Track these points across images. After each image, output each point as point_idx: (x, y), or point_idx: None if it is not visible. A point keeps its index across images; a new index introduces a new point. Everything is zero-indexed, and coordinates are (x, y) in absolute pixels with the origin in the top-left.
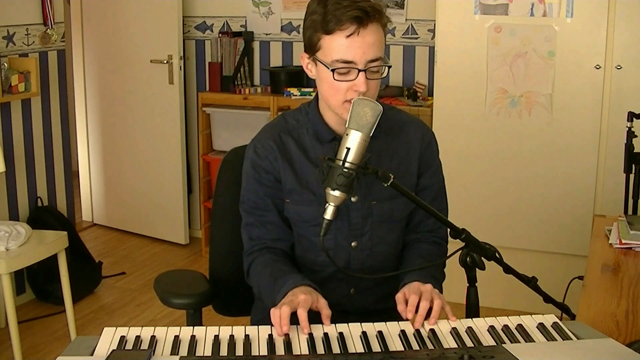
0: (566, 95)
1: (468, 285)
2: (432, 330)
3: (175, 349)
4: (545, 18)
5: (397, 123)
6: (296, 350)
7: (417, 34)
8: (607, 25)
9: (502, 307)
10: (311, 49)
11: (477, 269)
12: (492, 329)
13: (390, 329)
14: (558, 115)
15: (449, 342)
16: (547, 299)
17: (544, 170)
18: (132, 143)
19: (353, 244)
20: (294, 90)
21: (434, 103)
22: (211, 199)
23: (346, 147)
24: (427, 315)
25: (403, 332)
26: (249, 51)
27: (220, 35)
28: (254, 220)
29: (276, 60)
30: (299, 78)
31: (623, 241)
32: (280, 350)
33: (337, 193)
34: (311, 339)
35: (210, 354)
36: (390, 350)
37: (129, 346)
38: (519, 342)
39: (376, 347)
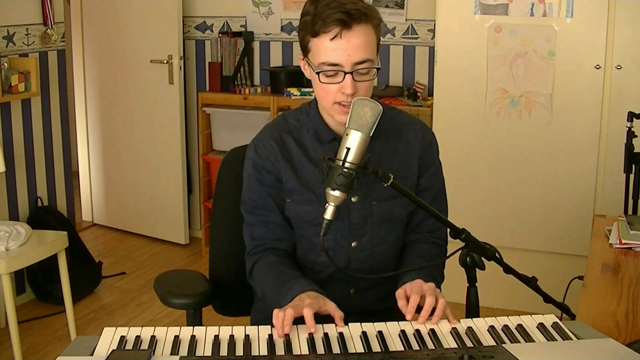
0: (566, 95)
1: (468, 285)
2: (432, 330)
3: (175, 349)
4: (545, 18)
5: (397, 124)
6: (296, 350)
7: (417, 34)
8: (607, 25)
9: (502, 307)
10: (303, 50)
11: (477, 269)
12: (492, 329)
13: (390, 329)
14: (558, 115)
15: (449, 342)
16: (547, 299)
17: (544, 170)
18: (132, 143)
19: (353, 244)
20: (294, 90)
21: (434, 103)
22: (211, 199)
23: (346, 147)
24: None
25: (403, 332)
26: (249, 51)
27: (220, 35)
28: (256, 220)
29: (276, 60)
30: (299, 78)
31: (623, 241)
32: (280, 350)
33: (337, 193)
34: (311, 339)
35: (210, 354)
36: (390, 350)
37: (129, 346)
38: (519, 342)
39: (376, 347)
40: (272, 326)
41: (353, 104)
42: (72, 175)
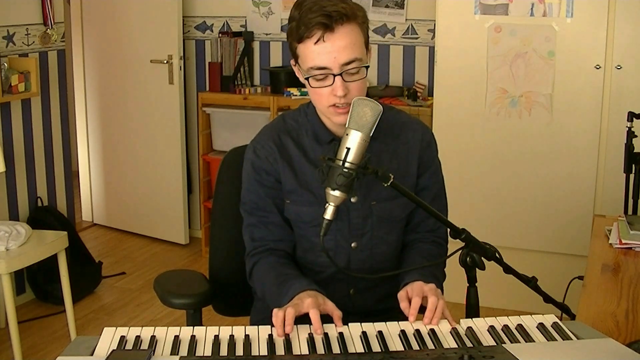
0: (566, 95)
1: (468, 285)
2: (432, 330)
3: (175, 349)
4: (545, 18)
5: (396, 124)
6: (296, 350)
7: (417, 34)
8: (607, 25)
9: (502, 307)
10: (294, 56)
11: (477, 269)
12: (492, 329)
13: (390, 329)
14: (558, 115)
15: (449, 342)
16: (547, 299)
17: (543, 170)
18: (132, 143)
19: (353, 244)
20: (294, 90)
21: (434, 103)
22: (211, 199)
23: (346, 147)
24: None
25: (403, 332)
26: (249, 51)
27: (220, 35)
28: (255, 221)
29: (276, 60)
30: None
31: (623, 241)
32: (280, 350)
33: (337, 193)
34: (311, 339)
35: (210, 354)
36: (390, 350)
37: (129, 346)
38: (519, 342)
39: (376, 347)
40: (272, 326)
41: (353, 104)
42: (72, 175)
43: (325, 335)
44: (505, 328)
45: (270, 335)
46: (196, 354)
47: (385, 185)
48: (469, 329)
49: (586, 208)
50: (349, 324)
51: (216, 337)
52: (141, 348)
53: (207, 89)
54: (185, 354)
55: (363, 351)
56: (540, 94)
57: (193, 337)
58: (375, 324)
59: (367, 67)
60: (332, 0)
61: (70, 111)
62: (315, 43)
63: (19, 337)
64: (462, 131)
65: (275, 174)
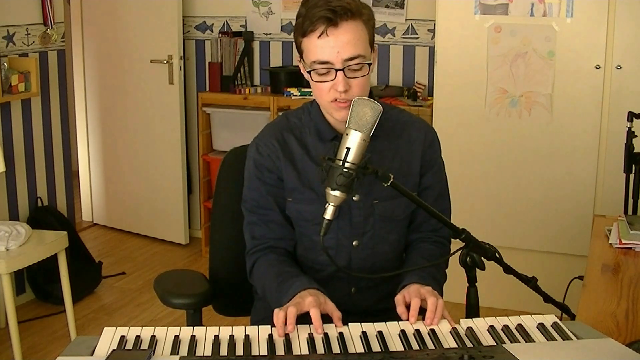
0: (566, 95)
1: (468, 285)
2: (432, 330)
3: (175, 349)
4: (545, 18)
5: (399, 123)
6: (296, 350)
7: (417, 34)
8: (607, 25)
9: (502, 307)
10: (299, 52)
11: (477, 269)
12: (492, 329)
13: (390, 329)
14: (558, 115)
15: (449, 342)
16: (547, 299)
17: (543, 170)
18: (132, 143)
19: (354, 243)
20: (294, 90)
21: (434, 103)
22: (211, 199)
23: (346, 147)
24: None
25: (403, 332)
26: (249, 51)
27: (220, 35)
28: (256, 219)
29: (276, 60)
30: (299, 78)
31: (623, 241)
32: (280, 350)
33: (337, 193)
34: (311, 339)
35: (210, 354)
36: (390, 350)
37: (129, 346)
38: (519, 342)
39: (376, 347)
40: (273, 326)
41: (353, 104)
42: (72, 175)
43: (325, 335)
44: (505, 328)
45: (270, 335)
46: (196, 354)
47: (385, 185)
48: (469, 329)
49: (586, 208)
50: (349, 324)
51: (216, 337)
52: (141, 348)
53: (207, 89)
54: (185, 354)
55: (363, 351)
56: (540, 94)
57: (193, 337)
58: (375, 324)
59: (369, 65)
60: None
61: (70, 111)
62: (319, 37)
63: (19, 337)
64: (462, 131)
65: (278, 171)
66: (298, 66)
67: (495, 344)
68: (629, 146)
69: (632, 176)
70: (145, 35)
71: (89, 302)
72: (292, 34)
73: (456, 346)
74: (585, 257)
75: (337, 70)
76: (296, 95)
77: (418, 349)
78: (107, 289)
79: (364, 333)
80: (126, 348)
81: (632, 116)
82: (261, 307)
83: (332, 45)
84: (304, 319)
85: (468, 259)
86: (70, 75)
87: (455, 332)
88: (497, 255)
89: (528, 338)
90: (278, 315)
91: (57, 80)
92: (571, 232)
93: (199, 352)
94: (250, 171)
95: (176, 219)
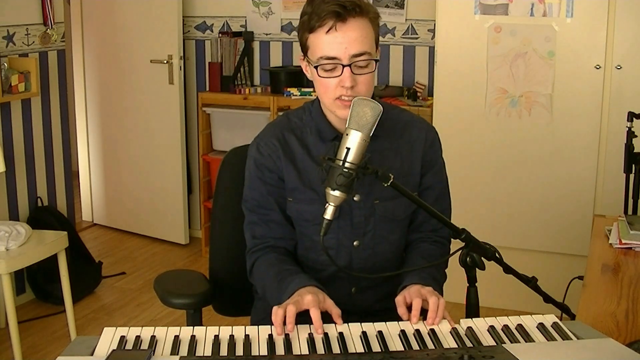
0: (566, 95)
1: (468, 285)
2: (432, 330)
3: (175, 349)
4: (545, 18)
5: (400, 122)
6: (296, 350)
7: (417, 34)
8: (607, 25)
9: (502, 307)
10: (303, 49)
11: (477, 269)
12: (492, 329)
13: (390, 329)
14: (558, 115)
15: (449, 342)
16: (547, 299)
17: (543, 170)
18: (132, 143)
19: (355, 242)
20: (294, 90)
21: (434, 103)
22: (211, 199)
23: (346, 147)
24: None
25: (403, 332)
26: (249, 51)
27: (220, 35)
28: (257, 219)
29: (276, 60)
30: (299, 78)
31: (623, 241)
32: (280, 350)
33: (337, 193)
34: (311, 339)
35: (210, 354)
36: (390, 350)
37: (129, 346)
38: (519, 342)
39: (376, 347)
40: (272, 326)
41: (353, 104)
42: (72, 175)
43: (325, 335)
44: (505, 328)
45: (270, 335)
46: (196, 354)
47: (385, 185)
48: (469, 329)
49: (586, 208)
50: (349, 324)
51: (216, 337)
52: (141, 348)
53: (207, 89)
54: (185, 354)
55: (363, 351)
56: (540, 94)
57: (193, 337)
58: (375, 324)
59: (377, 61)
60: None
61: (70, 111)
62: (327, 32)
63: (19, 337)
64: (462, 131)
65: (278, 171)
66: (298, 66)
67: (495, 344)
68: (629, 146)
69: (632, 176)
70: (145, 35)
71: (89, 302)
72: (298, 31)
73: (456, 346)
74: (585, 257)
75: (344, 66)
76: (296, 95)
77: (418, 349)
78: (107, 289)
79: (364, 333)
80: (126, 348)
81: (632, 116)
82: (261, 307)
83: (340, 40)
84: (303, 318)
85: (468, 259)
86: (70, 75)
87: (455, 332)
88: (497, 255)
89: (528, 338)
90: (277, 313)
91: (57, 80)
92: (571, 232)
93: (199, 352)
94: (250, 171)
95: (176, 219)
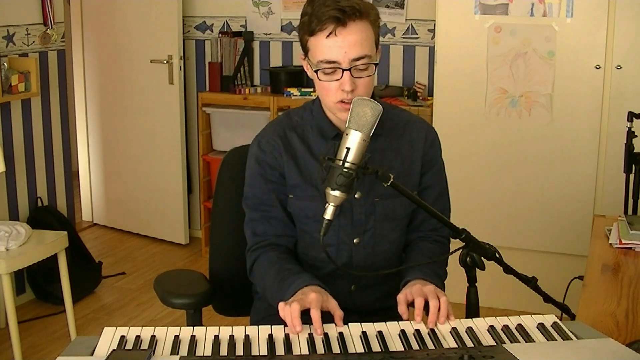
0: (566, 95)
1: (468, 285)
2: (432, 330)
3: (175, 349)
4: (545, 18)
5: (400, 122)
6: (296, 350)
7: (417, 34)
8: (607, 25)
9: (502, 307)
10: (304, 50)
11: (477, 269)
12: (492, 329)
13: (390, 329)
14: (558, 115)
15: (449, 342)
16: (547, 299)
17: (543, 170)
18: (132, 143)
19: (355, 240)
20: (294, 90)
21: (434, 103)
22: (211, 199)
23: (346, 147)
24: None
25: (403, 332)
26: (249, 51)
27: (220, 35)
28: (258, 216)
29: (276, 60)
30: (299, 78)
31: (623, 241)
32: (280, 350)
33: (337, 193)
34: (311, 339)
35: (210, 354)
36: (390, 350)
37: (129, 346)
38: (519, 342)
39: (376, 347)
40: (273, 324)
41: (353, 104)
42: (72, 175)
43: (325, 335)
44: (505, 328)
45: (271, 335)
46: (196, 354)
47: (385, 185)
48: (469, 329)
49: (586, 208)
50: (349, 324)
51: (216, 337)
52: (141, 348)
53: (207, 89)
54: (185, 354)
55: (363, 351)
56: (540, 94)
57: (193, 337)
58: (375, 324)
59: (376, 65)
60: None
61: (70, 111)
62: (327, 37)
63: (19, 337)
64: (462, 131)
65: (280, 168)
66: (298, 66)
67: (495, 344)
68: (629, 146)
69: (632, 176)
70: (145, 35)
71: (89, 302)
72: (297, 31)
73: (456, 346)
74: (585, 257)
75: (343, 70)
76: (296, 95)
77: (418, 349)
78: (107, 289)
79: (364, 333)
80: (126, 348)
81: (632, 116)
82: (261, 306)
83: (340, 45)
84: (303, 318)
85: (468, 259)
86: (70, 75)
87: (455, 332)
88: (497, 255)
89: (528, 338)
90: (283, 309)
91: (57, 80)
92: (571, 232)
93: (199, 352)
94: (252, 168)
95: (176, 219)
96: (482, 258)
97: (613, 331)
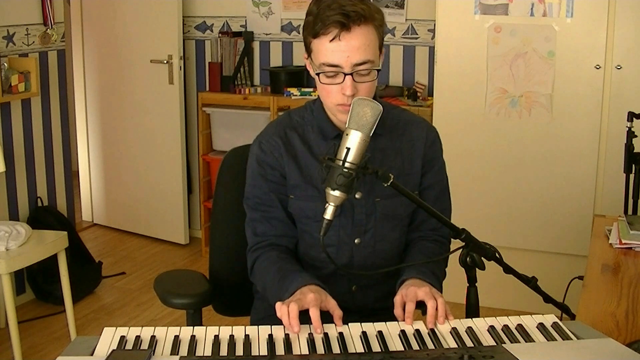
0: (566, 95)
1: (468, 285)
2: (432, 330)
3: (175, 349)
4: (545, 18)
5: (401, 122)
6: (296, 350)
7: (417, 34)
8: (607, 25)
9: (502, 307)
10: (307, 50)
11: (477, 269)
12: (492, 329)
13: (390, 329)
14: (558, 115)
15: (449, 342)
16: (547, 299)
17: (543, 170)
18: (132, 143)
19: (356, 240)
20: (293, 90)
21: (434, 103)
22: (211, 199)
23: (346, 147)
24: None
25: (403, 332)
26: (249, 51)
27: (220, 35)
28: (259, 216)
29: (276, 60)
30: (299, 78)
31: (623, 241)
32: (280, 350)
33: (337, 193)
34: (311, 339)
35: (210, 354)
36: (390, 350)
37: (129, 346)
38: (519, 342)
39: (376, 347)
40: (273, 324)
41: (353, 104)
42: (72, 175)
43: (325, 335)
44: (505, 328)
45: (271, 335)
46: (196, 354)
47: (385, 185)
48: (469, 329)
49: (586, 208)
50: (349, 324)
51: (216, 337)
52: (141, 348)
53: (207, 89)
54: (185, 354)
55: (363, 351)
56: (540, 94)
57: (193, 337)
58: (375, 324)
59: (378, 70)
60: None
61: (70, 111)
62: (331, 41)
63: (19, 337)
64: (462, 131)
65: (280, 168)
66: (298, 66)
67: (495, 344)
68: (629, 146)
69: (632, 176)
70: (145, 35)
71: (89, 302)
72: (302, 31)
73: (456, 346)
74: (585, 257)
75: (345, 74)
76: (296, 95)
77: (418, 349)
78: (107, 289)
79: (364, 333)
80: (126, 348)
81: (632, 116)
82: (261, 306)
83: (343, 49)
84: (303, 318)
85: (468, 259)
86: (70, 75)
87: (455, 332)
88: (497, 255)
89: (528, 338)
90: (281, 309)
91: (57, 80)
92: (571, 232)
93: (199, 352)
94: (252, 168)
95: (176, 219)
96: (482, 258)
97: (613, 331)
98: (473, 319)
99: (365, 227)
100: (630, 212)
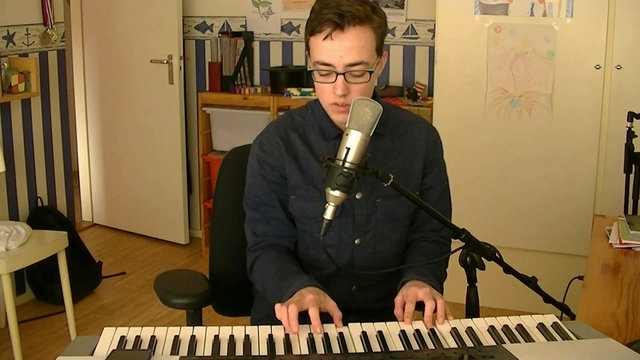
0: (566, 95)
1: (468, 285)
2: (432, 330)
3: (175, 349)
4: (545, 18)
5: (402, 122)
6: (296, 350)
7: (417, 34)
8: (607, 25)
9: (502, 307)
10: (306, 47)
11: (477, 269)
12: (492, 329)
13: (390, 329)
14: (558, 115)
15: (449, 342)
16: (547, 299)
17: (543, 170)
18: (132, 143)
19: (357, 241)
20: (293, 90)
21: (434, 103)
22: (211, 199)
23: (346, 147)
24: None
25: (403, 332)
26: (249, 51)
27: (220, 35)
28: (258, 216)
29: (276, 60)
30: (299, 78)
31: (623, 241)
32: (280, 350)
33: (337, 193)
34: (311, 339)
35: (210, 354)
36: (390, 350)
37: (129, 346)
38: (519, 342)
39: (376, 347)
40: (273, 324)
41: (353, 104)
42: (72, 175)
43: (325, 335)
44: (505, 328)
45: (271, 335)
46: (196, 354)
47: (385, 185)
48: (469, 329)
49: (586, 208)
50: (349, 324)
51: (216, 337)
52: (141, 348)
53: (207, 89)
54: (185, 354)
55: (363, 351)
56: (540, 94)
57: (193, 337)
58: (375, 324)
59: (371, 72)
60: (350, 0)
61: (70, 111)
62: (324, 39)
63: (19, 337)
64: (462, 131)
65: (281, 169)
66: (298, 66)
67: (495, 344)
68: (629, 146)
69: (632, 176)
70: (145, 35)
71: (89, 302)
72: (305, 28)
73: (456, 346)
74: (585, 257)
75: (337, 74)
76: (296, 95)
77: (418, 349)
78: (107, 289)
79: (364, 333)
80: (126, 348)
81: (632, 116)
82: (261, 306)
83: (335, 48)
84: (303, 318)
85: (468, 259)
86: (70, 75)
87: (455, 332)
88: (497, 255)
89: (528, 338)
90: (280, 310)
91: (57, 80)
92: (571, 232)
93: (199, 352)
94: (253, 168)
95: (176, 219)
96: (482, 258)
97: (613, 331)
98: (473, 319)
99: (365, 228)
100: (630, 212)
